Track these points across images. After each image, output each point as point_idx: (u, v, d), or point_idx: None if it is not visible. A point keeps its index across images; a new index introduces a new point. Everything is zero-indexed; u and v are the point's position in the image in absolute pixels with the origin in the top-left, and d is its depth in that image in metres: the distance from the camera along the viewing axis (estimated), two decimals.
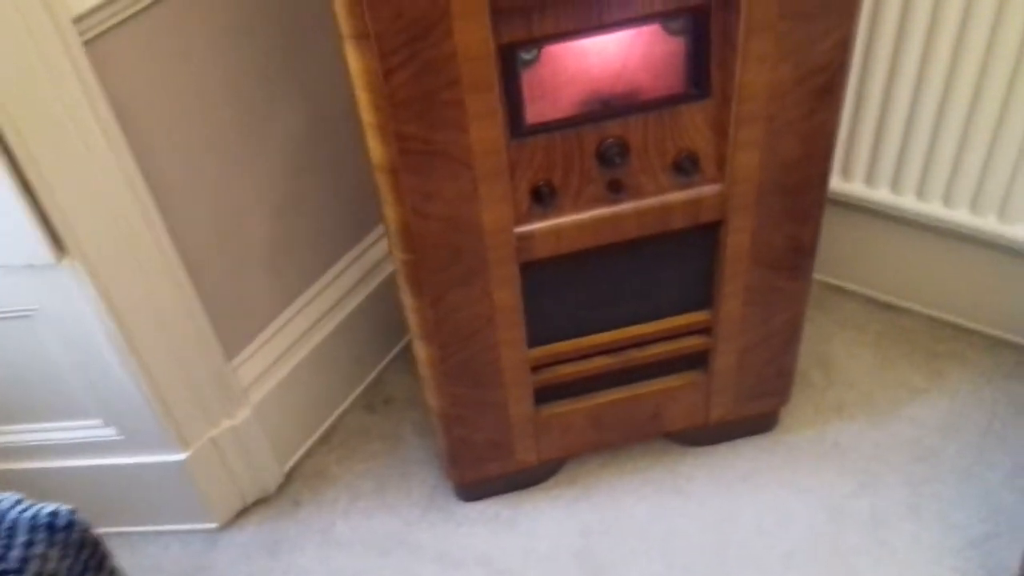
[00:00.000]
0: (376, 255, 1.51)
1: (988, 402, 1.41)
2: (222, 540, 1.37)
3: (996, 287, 1.44)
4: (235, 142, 1.20)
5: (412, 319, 1.12)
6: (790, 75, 0.97)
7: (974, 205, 1.34)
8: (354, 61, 0.89)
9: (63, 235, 1.02)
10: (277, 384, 1.37)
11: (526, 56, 0.96)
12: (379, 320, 1.54)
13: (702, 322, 1.21)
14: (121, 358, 1.14)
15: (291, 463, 1.45)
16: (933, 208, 1.38)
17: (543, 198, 1.03)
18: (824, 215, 1.13)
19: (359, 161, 1.40)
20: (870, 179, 1.41)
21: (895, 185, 1.39)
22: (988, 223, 1.35)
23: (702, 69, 1.00)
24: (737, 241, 1.11)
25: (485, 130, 0.95)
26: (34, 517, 0.75)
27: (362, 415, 1.52)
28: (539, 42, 0.95)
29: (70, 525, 0.76)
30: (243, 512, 1.40)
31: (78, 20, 0.96)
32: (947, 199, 1.36)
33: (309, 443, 1.48)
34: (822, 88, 0.99)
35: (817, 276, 1.60)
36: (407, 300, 1.10)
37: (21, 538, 0.74)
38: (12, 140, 0.94)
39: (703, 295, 1.19)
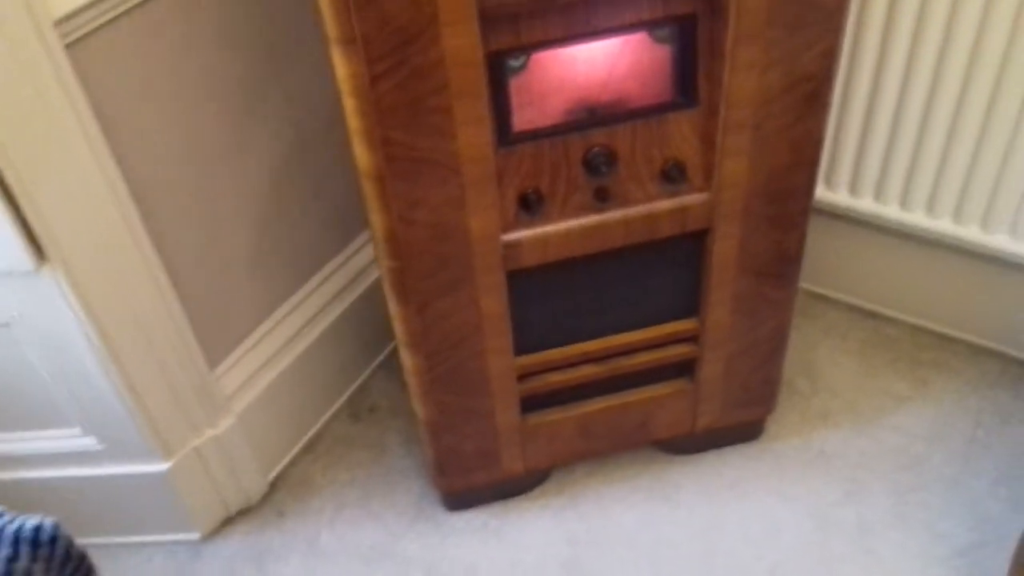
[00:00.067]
0: (360, 262, 1.51)
1: (973, 411, 1.42)
2: (206, 551, 1.36)
3: (979, 296, 1.45)
4: (219, 147, 1.19)
5: (398, 327, 1.11)
6: (777, 83, 0.97)
7: (957, 214, 1.35)
8: (340, 66, 0.88)
9: (43, 242, 1.00)
10: (261, 392, 1.36)
11: (514, 63, 0.96)
12: (364, 327, 1.53)
13: (689, 330, 1.21)
14: (102, 367, 1.12)
15: (275, 472, 1.44)
16: (916, 217, 1.39)
17: (530, 206, 1.02)
18: (809, 224, 1.14)
19: (343, 167, 1.39)
20: (854, 188, 1.42)
21: (879, 194, 1.40)
22: (971, 232, 1.36)
23: (689, 77, 1.00)
24: (724, 249, 1.11)
25: (472, 137, 0.94)
26: (18, 531, 0.74)
27: (347, 424, 1.51)
28: (527, 49, 0.94)
29: (54, 539, 0.74)
30: (227, 522, 1.39)
31: (60, 23, 0.94)
32: (930, 208, 1.37)
33: (293, 452, 1.46)
34: (809, 96, 1.00)
35: (802, 284, 1.61)
36: (393, 308, 1.09)
37: (4, 552, 0.72)
38: None
39: (690, 303, 1.19)
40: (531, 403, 1.24)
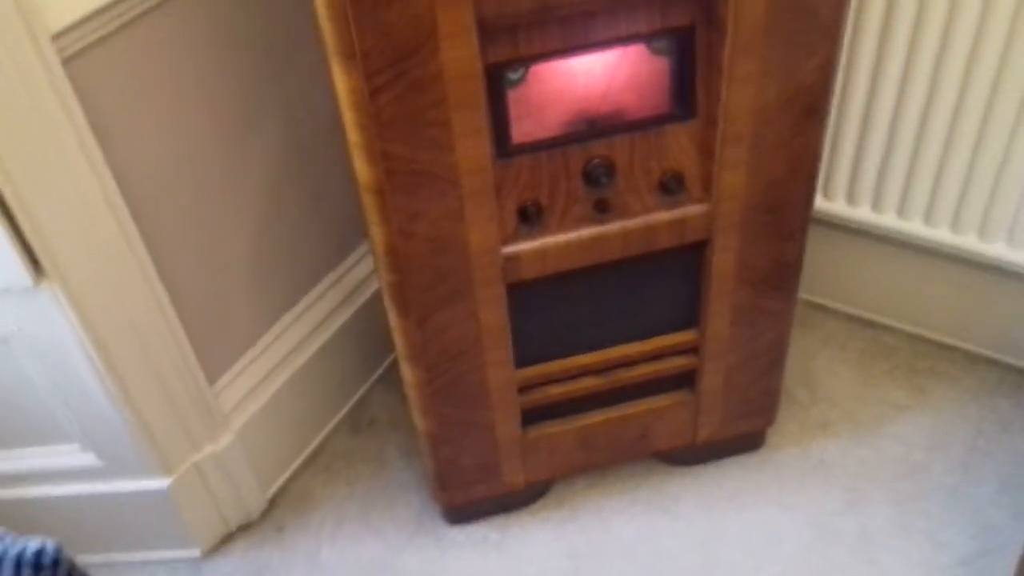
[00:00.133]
0: (359, 274, 1.50)
1: (973, 419, 1.42)
2: (206, 568, 1.35)
3: (977, 305, 1.45)
4: (217, 161, 1.19)
5: (398, 340, 1.11)
6: (775, 95, 0.98)
7: (954, 223, 1.36)
8: (341, 81, 0.89)
9: (41, 257, 1.00)
10: (260, 407, 1.35)
11: (513, 76, 0.96)
12: (363, 340, 1.52)
13: (689, 342, 1.21)
14: (101, 383, 1.12)
15: (275, 487, 1.43)
16: (914, 226, 1.39)
17: (529, 218, 1.02)
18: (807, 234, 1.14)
19: (342, 180, 1.39)
20: (851, 198, 1.42)
21: (876, 204, 1.40)
22: (968, 241, 1.36)
23: (687, 89, 1.00)
24: (723, 260, 1.11)
25: (471, 149, 0.94)
26: (20, 555, 0.73)
27: (347, 437, 1.50)
28: (526, 61, 0.95)
29: (56, 563, 0.74)
30: (227, 538, 1.38)
31: (57, 37, 0.94)
32: (928, 217, 1.37)
33: (293, 467, 1.46)
34: (807, 109, 1.00)
35: (800, 295, 1.61)
36: (393, 321, 1.09)
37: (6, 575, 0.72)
38: None
39: (689, 315, 1.19)
40: (531, 415, 1.23)
